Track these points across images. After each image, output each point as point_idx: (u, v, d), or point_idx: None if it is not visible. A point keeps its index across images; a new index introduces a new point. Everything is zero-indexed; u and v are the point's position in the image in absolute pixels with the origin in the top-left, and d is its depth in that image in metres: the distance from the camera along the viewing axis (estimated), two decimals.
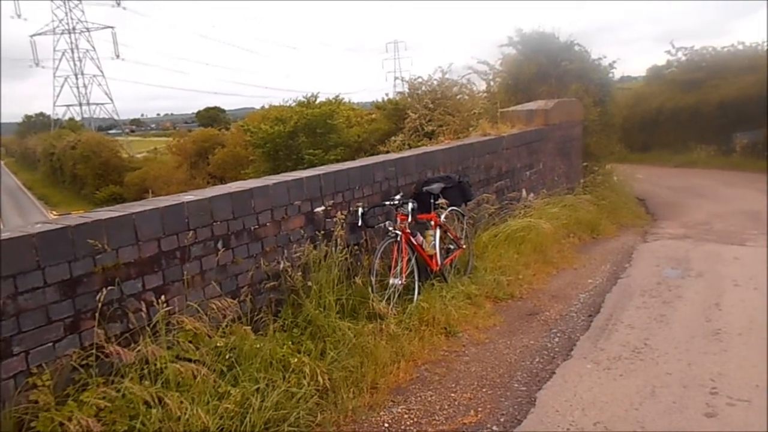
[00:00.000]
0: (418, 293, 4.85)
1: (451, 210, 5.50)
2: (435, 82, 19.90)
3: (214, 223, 3.68)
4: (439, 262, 5.18)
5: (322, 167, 4.87)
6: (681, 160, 16.78)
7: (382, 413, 3.49)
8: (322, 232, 4.41)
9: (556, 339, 4.53)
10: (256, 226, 3.97)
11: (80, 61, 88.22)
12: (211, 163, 32.12)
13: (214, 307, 3.52)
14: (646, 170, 14.44)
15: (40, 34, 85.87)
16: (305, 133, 23.87)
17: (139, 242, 3.27)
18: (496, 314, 5.01)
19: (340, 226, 4.46)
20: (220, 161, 30.96)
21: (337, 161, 22.74)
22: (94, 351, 2.99)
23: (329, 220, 4.51)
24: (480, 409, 3.52)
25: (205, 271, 3.64)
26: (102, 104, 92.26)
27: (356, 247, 4.71)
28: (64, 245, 2.93)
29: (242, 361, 3.40)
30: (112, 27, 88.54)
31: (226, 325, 3.58)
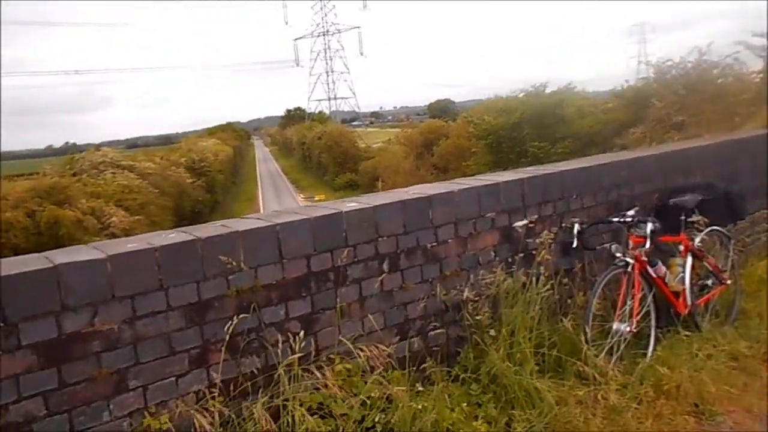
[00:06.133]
0: (654, 346, 3.53)
1: (711, 231, 3.99)
2: (689, 65, 16.91)
3: (380, 239, 2.95)
4: (689, 303, 3.75)
5: (527, 169, 3.83)
6: None
7: None
8: (522, 254, 3.39)
9: None
10: (434, 244, 3.14)
11: (331, 60, 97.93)
12: (435, 155, 32.44)
13: (372, 348, 2.79)
14: None
15: (301, 38, 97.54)
16: (531, 124, 22.41)
17: (284, 260, 2.67)
18: None
19: (546, 248, 3.38)
20: (443, 152, 31.07)
21: (564, 155, 20.93)
22: (218, 388, 2.48)
23: (531, 239, 3.46)
24: None
25: (364, 297, 2.93)
26: (346, 98, 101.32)
27: (566, 277, 3.58)
28: (193, 262, 2.44)
29: (396, 422, 2.60)
30: (358, 27, 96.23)
31: (386, 369, 2.83)
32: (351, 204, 2.98)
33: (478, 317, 3.14)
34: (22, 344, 2.10)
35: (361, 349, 2.74)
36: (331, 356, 2.81)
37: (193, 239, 2.45)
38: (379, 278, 2.95)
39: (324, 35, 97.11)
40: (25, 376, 2.11)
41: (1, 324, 2.06)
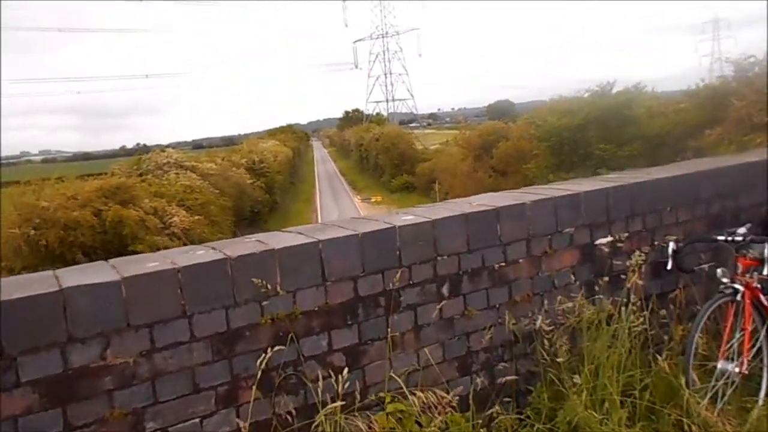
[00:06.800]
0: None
1: None
2: None
3: (439, 258, 2.53)
4: None
5: (610, 176, 3.31)
6: None
7: None
8: (606, 277, 2.89)
9: None
10: (502, 264, 2.69)
11: (389, 62, 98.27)
12: (494, 157, 31.63)
13: (429, 394, 2.37)
14: None
15: (360, 40, 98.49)
16: (596, 125, 21.40)
17: (327, 282, 2.30)
18: None
19: (636, 270, 2.86)
20: (502, 155, 30.26)
21: (632, 158, 19.77)
22: None
23: (618, 260, 2.95)
24: None
25: (420, 326, 2.52)
26: (404, 100, 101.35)
27: (660, 305, 3.04)
28: (221, 284, 2.10)
29: None
30: (417, 29, 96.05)
31: (446, 411, 2.41)
32: (406, 217, 2.57)
33: (554, 352, 2.67)
34: (22, 381, 1.81)
35: (415, 393, 2.32)
36: (381, 394, 2.42)
37: (222, 258, 2.11)
38: (438, 304, 2.53)
39: (383, 37, 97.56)
40: (25, 418, 1.82)
41: None
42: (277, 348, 2.17)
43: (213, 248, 2.25)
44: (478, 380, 2.64)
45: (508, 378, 2.70)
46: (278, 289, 2.19)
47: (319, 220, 42.58)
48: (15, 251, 17.67)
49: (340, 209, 47.21)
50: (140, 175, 28.76)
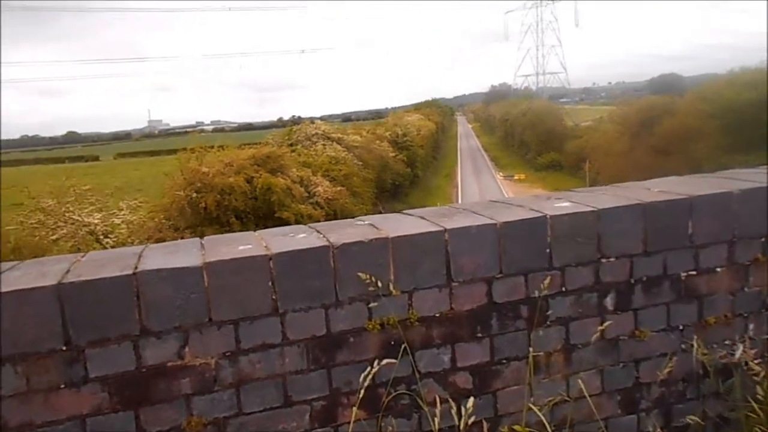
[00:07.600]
0: None
1: None
2: None
3: (603, 260, 1.92)
4: None
5: None
6: None
7: None
8: None
9: None
10: (692, 272, 2.00)
11: (542, 33, 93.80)
12: (654, 135, 28.66)
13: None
14: None
15: (512, 11, 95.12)
16: None
17: (453, 283, 1.80)
18: None
19: None
20: (665, 133, 27.30)
21: None
22: None
23: None
24: None
25: (572, 346, 1.94)
26: (556, 74, 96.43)
27: None
28: (321, 278, 1.70)
29: None
30: None
31: None
32: (560, 204, 1.97)
33: (762, 397, 1.95)
34: (90, 376, 1.56)
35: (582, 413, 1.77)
36: (516, 428, 1.89)
37: (323, 246, 1.70)
38: (599, 320, 1.93)
39: (537, 7, 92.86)
40: (94, 419, 1.57)
41: (64, 347, 1.53)
42: (386, 361, 1.73)
43: (318, 231, 1.86)
44: (649, 422, 2.01)
45: (692, 422, 2.03)
46: (391, 287, 1.74)
47: (460, 196, 42.03)
48: (180, 211, 19.39)
49: (481, 186, 46.24)
50: (290, 145, 30.24)
